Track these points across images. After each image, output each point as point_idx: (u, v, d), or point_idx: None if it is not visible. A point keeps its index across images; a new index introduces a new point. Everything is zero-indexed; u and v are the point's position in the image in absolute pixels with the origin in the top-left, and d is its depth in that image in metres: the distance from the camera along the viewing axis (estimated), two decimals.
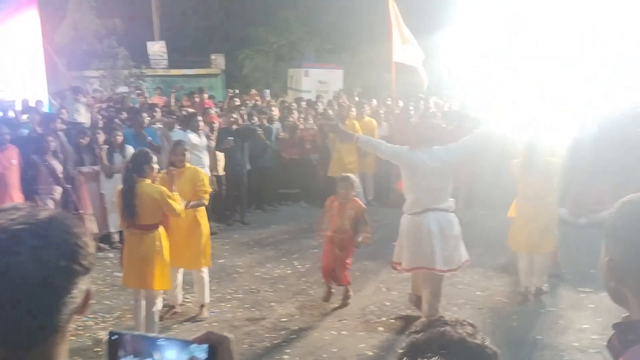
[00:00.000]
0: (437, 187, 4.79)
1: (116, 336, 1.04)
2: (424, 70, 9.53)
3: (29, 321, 1.00)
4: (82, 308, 1.08)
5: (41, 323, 1.02)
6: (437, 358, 1.06)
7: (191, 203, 5.29)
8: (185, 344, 1.03)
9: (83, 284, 1.06)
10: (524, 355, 4.74)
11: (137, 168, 4.67)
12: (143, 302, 4.85)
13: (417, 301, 5.33)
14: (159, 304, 4.99)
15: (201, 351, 1.02)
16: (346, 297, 5.86)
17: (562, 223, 7.22)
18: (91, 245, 1.10)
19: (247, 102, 12.00)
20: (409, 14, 11.42)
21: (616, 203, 1.39)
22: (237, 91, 13.71)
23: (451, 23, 12.40)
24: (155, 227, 4.77)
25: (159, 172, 4.99)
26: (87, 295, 1.09)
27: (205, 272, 5.57)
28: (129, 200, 4.60)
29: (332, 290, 5.86)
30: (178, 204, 4.78)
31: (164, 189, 4.74)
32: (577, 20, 10.75)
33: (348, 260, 5.83)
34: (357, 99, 12.44)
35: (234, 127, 8.86)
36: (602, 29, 10.56)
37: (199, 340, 1.03)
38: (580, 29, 10.69)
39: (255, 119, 9.58)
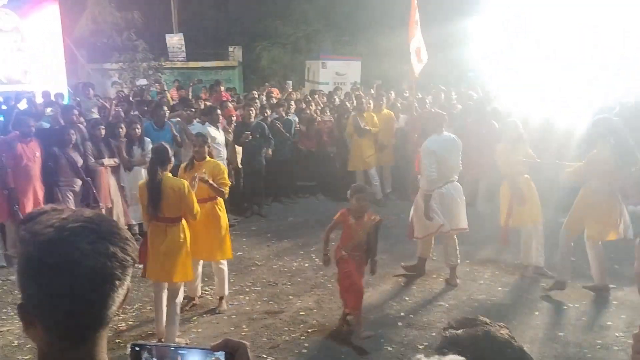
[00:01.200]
0: (453, 164, 6.09)
1: (138, 348, 1.07)
2: (418, 61, 9.42)
3: (88, 313, 1.06)
4: (123, 302, 1.14)
5: (98, 315, 1.07)
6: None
7: (211, 181, 5.27)
8: (205, 352, 1.05)
9: (129, 277, 1.13)
10: (546, 352, 4.67)
11: (161, 161, 4.71)
12: (164, 294, 4.87)
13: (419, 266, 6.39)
14: (181, 296, 5.01)
15: (219, 358, 1.04)
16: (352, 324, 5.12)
17: None
18: (133, 240, 1.17)
19: (262, 95, 11.97)
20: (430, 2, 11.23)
21: None
22: (261, 87, 13.74)
23: (476, 10, 12.27)
24: (179, 219, 4.80)
25: (179, 166, 5.02)
26: (128, 290, 1.15)
27: (224, 264, 5.60)
28: (154, 193, 4.63)
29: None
30: (196, 204, 4.81)
31: (186, 182, 4.77)
32: (579, 22, 10.64)
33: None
34: (372, 91, 12.37)
35: (252, 120, 8.85)
36: (603, 30, 10.38)
37: (217, 348, 1.05)
38: (582, 30, 10.54)
39: (268, 112, 9.52)
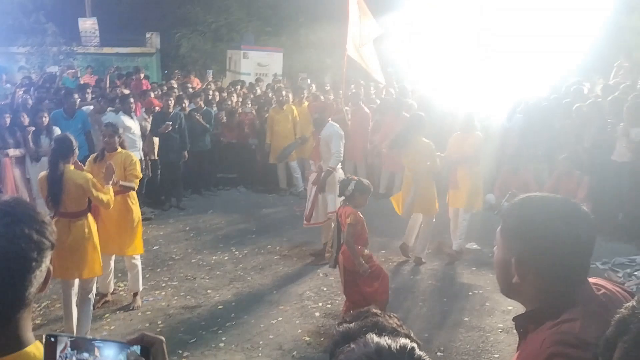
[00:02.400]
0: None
1: (53, 339, 1.07)
2: (380, 71, 9.69)
3: (7, 294, 1.09)
4: (44, 285, 1.18)
5: (16, 296, 1.11)
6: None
7: (121, 182, 5.13)
8: (121, 345, 1.06)
9: (48, 260, 1.16)
10: (453, 336, 4.94)
11: (63, 153, 4.50)
12: (73, 291, 4.70)
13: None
14: (93, 292, 4.86)
15: (135, 352, 1.06)
16: None
17: (489, 208, 7.56)
18: (52, 223, 1.20)
19: (179, 84, 11.69)
20: None
21: (509, 206, 1.49)
22: (177, 73, 13.39)
23: (394, 7, 12.57)
24: (83, 213, 4.63)
25: (89, 157, 4.83)
26: (49, 272, 1.18)
27: (137, 259, 5.46)
28: (55, 186, 4.43)
29: None
30: (106, 195, 4.63)
31: (89, 176, 4.58)
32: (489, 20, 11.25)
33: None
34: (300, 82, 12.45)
35: (170, 111, 8.65)
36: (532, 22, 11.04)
37: (134, 342, 1.07)
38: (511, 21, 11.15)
39: (186, 102, 9.34)
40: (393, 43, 12.43)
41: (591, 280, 1.51)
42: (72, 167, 4.56)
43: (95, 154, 5.51)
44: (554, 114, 8.88)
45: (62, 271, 4.56)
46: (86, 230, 4.61)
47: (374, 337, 1.09)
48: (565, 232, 1.38)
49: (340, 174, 6.62)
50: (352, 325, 1.33)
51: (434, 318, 5.27)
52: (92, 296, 4.81)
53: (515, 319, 1.51)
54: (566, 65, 11.45)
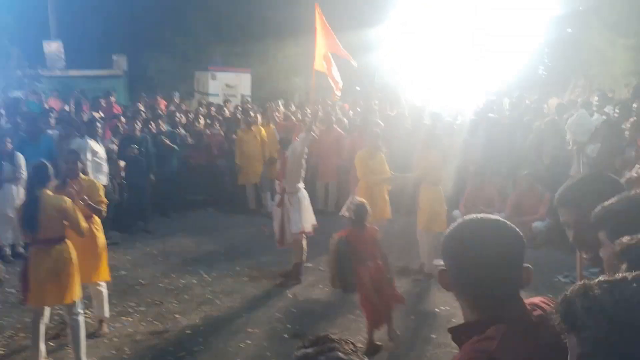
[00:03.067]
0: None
1: None
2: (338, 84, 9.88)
3: None
4: None
5: None
6: None
7: (90, 202, 5.10)
8: None
9: None
10: (421, 354, 5.01)
11: (39, 179, 4.51)
12: (42, 321, 4.65)
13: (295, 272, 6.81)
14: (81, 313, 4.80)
15: None
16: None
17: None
18: None
19: (146, 107, 11.64)
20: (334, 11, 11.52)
21: (453, 225, 1.60)
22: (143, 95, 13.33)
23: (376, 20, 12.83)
24: (62, 238, 4.60)
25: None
26: None
27: (103, 285, 5.39)
28: (33, 212, 4.40)
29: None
30: (82, 218, 4.64)
31: (69, 200, 4.58)
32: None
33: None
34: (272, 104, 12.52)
35: (137, 134, 8.63)
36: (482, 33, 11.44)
37: None
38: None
39: (153, 124, 9.32)
40: (385, 48, 12.70)
41: (532, 300, 1.60)
42: (50, 192, 4.54)
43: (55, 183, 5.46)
44: (516, 131, 9.16)
45: (41, 298, 4.54)
46: (66, 255, 4.58)
47: None
48: (485, 251, 1.48)
49: (303, 193, 6.77)
50: (309, 350, 1.39)
51: (402, 336, 5.33)
52: (81, 319, 4.74)
53: (449, 330, 1.60)
54: (520, 79, 11.86)
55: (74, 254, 4.66)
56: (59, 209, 4.47)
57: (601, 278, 1.15)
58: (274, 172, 10.08)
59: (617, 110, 8.68)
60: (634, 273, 1.14)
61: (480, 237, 1.50)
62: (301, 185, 6.82)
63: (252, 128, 9.85)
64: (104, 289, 5.40)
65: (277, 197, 6.97)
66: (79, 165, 5.33)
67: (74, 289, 4.62)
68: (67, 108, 10.97)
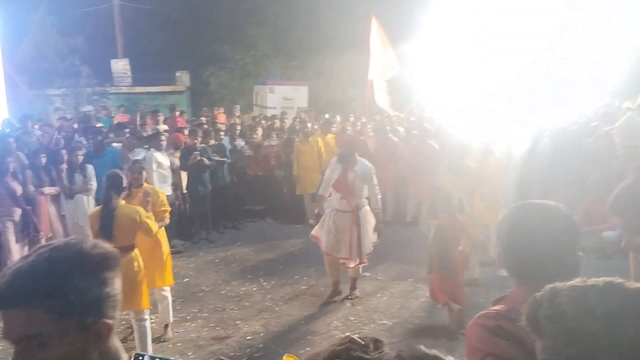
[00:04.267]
0: None
1: (141, 357, 1.19)
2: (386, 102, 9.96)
3: None
4: None
5: None
6: None
7: (159, 224, 5.28)
8: None
9: None
10: None
11: (116, 188, 4.70)
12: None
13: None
14: (148, 320, 4.96)
15: None
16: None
17: None
18: None
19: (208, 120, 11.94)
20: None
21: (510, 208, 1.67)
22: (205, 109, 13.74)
23: (417, 32, 12.71)
24: (132, 247, 4.76)
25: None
26: None
27: (167, 291, 5.55)
28: (107, 221, 4.58)
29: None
30: (154, 224, 4.83)
31: (141, 209, 4.75)
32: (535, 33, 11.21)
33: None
34: (327, 115, 12.63)
35: (198, 146, 8.87)
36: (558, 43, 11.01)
37: None
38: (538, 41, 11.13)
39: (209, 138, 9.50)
40: (413, 67, 12.57)
41: None
42: (123, 202, 4.74)
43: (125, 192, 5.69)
44: (583, 138, 8.79)
45: (130, 303, 4.70)
46: (135, 263, 4.74)
47: None
48: (532, 232, 1.56)
49: (368, 208, 6.35)
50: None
51: (462, 347, 5.18)
52: (147, 324, 4.90)
53: (494, 302, 1.67)
54: (595, 87, 11.34)
55: (142, 262, 4.81)
56: (132, 218, 4.63)
57: (573, 282, 1.09)
58: None
59: None
60: (604, 280, 1.07)
61: (529, 220, 1.59)
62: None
63: (310, 139, 9.93)
64: (168, 294, 5.56)
65: (344, 216, 6.21)
66: (144, 174, 5.52)
67: (143, 297, 4.78)
68: (132, 123, 11.40)
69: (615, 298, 1.02)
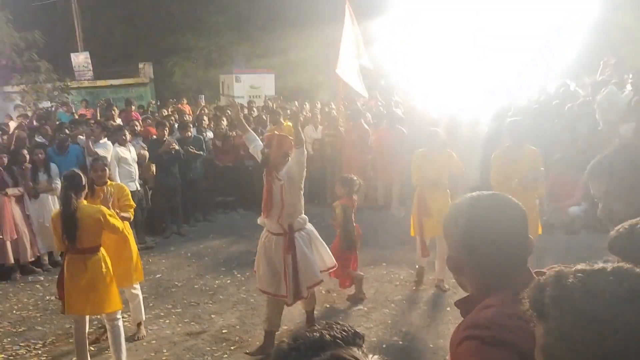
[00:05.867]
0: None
1: None
2: (363, 85, 9.91)
3: None
4: None
5: None
6: None
7: (122, 214, 5.15)
8: None
9: None
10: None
11: (75, 188, 4.50)
12: (86, 329, 4.72)
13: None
14: (120, 320, 4.82)
15: None
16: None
17: None
18: None
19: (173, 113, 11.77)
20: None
21: (453, 205, 1.62)
22: (158, 102, 13.52)
23: (381, 12, 12.68)
24: (98, 248, 4.62)
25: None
26: None
27: (137, 288, 5.44)
28: (70, 222, 4.43)
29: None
30: (118, 221, 4.70)
31: (104, 208, 4.60)
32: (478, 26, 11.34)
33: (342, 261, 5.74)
34: (296, 104, 12.57)
35: (166, 138, 8.73)
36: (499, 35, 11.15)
37: None
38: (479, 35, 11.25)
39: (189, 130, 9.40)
40: (385, 47, 12.56)
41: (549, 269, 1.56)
42: (85, 202, 4.58)
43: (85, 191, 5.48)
44: (545, 116, 8.94)
45: (80, 307, 4.58)
46: (103, 265, 4.58)
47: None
48: (487, 226, 1.50)
49: (310, 225, 5.13)
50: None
51: (439, 327, 5.27)
52: (120, 324, 4.77)
53: (455, 303, 1.62)
54: (552, 65, 11.53)
55: (109, 263, 4.68)
56: (96, 219, 4.48)
57: (580, 266, 1.08)
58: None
59: None
60: (613, 264, 1.06)
61: (484, 214, 1.53)
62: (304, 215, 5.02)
63: (284, 125, 9.75)
64: (139, 292, 5.46)
65: (271, 241, 4.95)
66: (107, 171, 5.38)
67: (113, 298, 4.66)
68: (93, 119, 11.15)
69: (625, 282, 1.01)
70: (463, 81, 10.64)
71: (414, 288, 6.32)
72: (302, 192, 4.92)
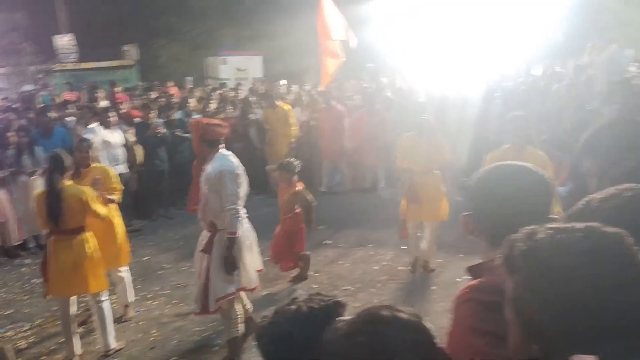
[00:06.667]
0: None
1: None
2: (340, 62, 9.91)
3: None
4: None
5: None
6: None
7: (108, 197, 5.12)
8: None
9: None
10: (441, 322, 4.99)
11: (59, 169, 4.48)
12: (72, 311, 4.69)
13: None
14: (108, 302, 4.81)
15: None
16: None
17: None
18: None
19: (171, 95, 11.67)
20: None
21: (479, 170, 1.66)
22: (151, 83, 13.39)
23: None
24: (82, 229, 4.60)
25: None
26: None
27: (124, 271, 5.43)
28: (54, 203, 4.41)
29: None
30: (101, 207, 4.68)
31: (88, 190, 4.58)
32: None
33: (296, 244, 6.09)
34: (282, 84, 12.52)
35: (153, 121, 8.67)
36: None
37: None
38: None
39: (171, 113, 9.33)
40: (377, 27, 12.54)
41: None
42: (69, 182, 4.54)
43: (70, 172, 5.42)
44: (532, 97, 9.00)
45: (64, 289, 4.58)
46: (86, 245, 4.57)
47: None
48: (505, 190, 1.53)
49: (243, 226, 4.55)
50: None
51: (424, 306, 5.33)
52: (106, 305, 4.75)
53: (467, 268, 1.64)
54: (538, 47, 11.57)
55: (94, 243, 4.66)
56: (79, 199, 4.47)
57: (551, 224, 1.11)
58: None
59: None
60: (584, 224, 1.08)
61: (502, 178, 1.56)
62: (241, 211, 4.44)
63: (277, 106, 9.65)
64: (125, 273, 5.43)
65: (203, 238, 4.56)
66: (91, 154, 5.33)
67: (98, 279, 4.65)
68: (78, 102, 11.00)
69: (591, 237, 1.04)
70: (450, 62, 10.67)
71: (411, 273, 6.22)
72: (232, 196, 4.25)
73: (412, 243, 6.19)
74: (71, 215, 4.48)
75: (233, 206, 4.22)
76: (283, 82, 13.36)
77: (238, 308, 4.57)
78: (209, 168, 4.27)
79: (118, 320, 5.33)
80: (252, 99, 10.89)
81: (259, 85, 12.93)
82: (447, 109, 8.82)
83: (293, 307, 1.42)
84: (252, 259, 4.58)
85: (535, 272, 1.03)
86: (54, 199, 4.43)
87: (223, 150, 4.39)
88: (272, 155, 9.57)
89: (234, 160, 4.40)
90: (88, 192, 4.57)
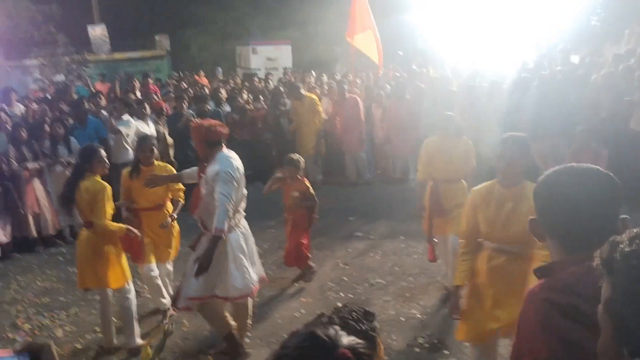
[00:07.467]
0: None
1: None
2: (380, 54, 9.79)
3: None
4: None
5: None
6: None
7: (175, 213, 5.23)
8: (10, 358, 1.08)
9: None
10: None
11: (84, 161, 4.41)
12: (109, 300, 4.69)
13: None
14: (132, 300, 4.70)
15: None
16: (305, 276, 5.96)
17: None
18: None
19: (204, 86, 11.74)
20: None
21: (545, 172, 1.63)
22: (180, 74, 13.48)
23: None
24: (90, 225, 4.49)
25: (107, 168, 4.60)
26: None
27: (154, 269, 5.35)
28: (68, 194, 4.39)
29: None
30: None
31: (105, 189, 4.38)
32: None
33: (303, 241, 5.92)
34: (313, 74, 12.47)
35: (184, 112, 8.74)
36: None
37: (20, 351, 1.10)
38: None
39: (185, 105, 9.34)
40: (409, 14, 12.41)
41: None
42: (98, 177, 4.42)
43: (129, 169, 5.20)
44: (569, 86, 8.74)
45: (87, 280, 4.60)
46: (100, 240, 4.47)
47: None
48: (572, 193, 1.51)
49: (237, 235, 4.63)
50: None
51: None
52: (128, 303, 4.65)
53: (535, 270, 1.61)
54: (575, 34, 11.25)
55: (115, 240, 4.55)
56: (89, 193, 4.30)
57: None
58: (321, 146, 9.97)
59: None
60: None
61: (569, 181, 1.54)
62: (242, 222, 4.68)
63: (304, 98, 9.60)
64: (156, 272, 5.34)
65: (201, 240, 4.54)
66: (155, 152, 5.17)
67: (116, 275, 4.53)
68: (112, 94, 11.14)
69: None
70: (484, 48, 10.48)
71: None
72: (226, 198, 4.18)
73: (446, 261, 5.47)
74: (81, 208, 4.42)
75: (222, 205, 4.12)
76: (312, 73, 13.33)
77: (219, 310, 4.51)
78: (209, 169, 4.26)
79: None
80: (282, 89, 10.86)
81: (290, 75, 12.88)
82: (476, 99, 8.65)
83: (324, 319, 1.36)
84: (239, 270, 4.39)
85: (635, 275, 1.01)
86: (69, 190, 4.40)
87: (225, 151, 4.37)
88: (299, 146, 9.54)
89: (235, 162, 4.36)
90: (103, 190, 4.35)
